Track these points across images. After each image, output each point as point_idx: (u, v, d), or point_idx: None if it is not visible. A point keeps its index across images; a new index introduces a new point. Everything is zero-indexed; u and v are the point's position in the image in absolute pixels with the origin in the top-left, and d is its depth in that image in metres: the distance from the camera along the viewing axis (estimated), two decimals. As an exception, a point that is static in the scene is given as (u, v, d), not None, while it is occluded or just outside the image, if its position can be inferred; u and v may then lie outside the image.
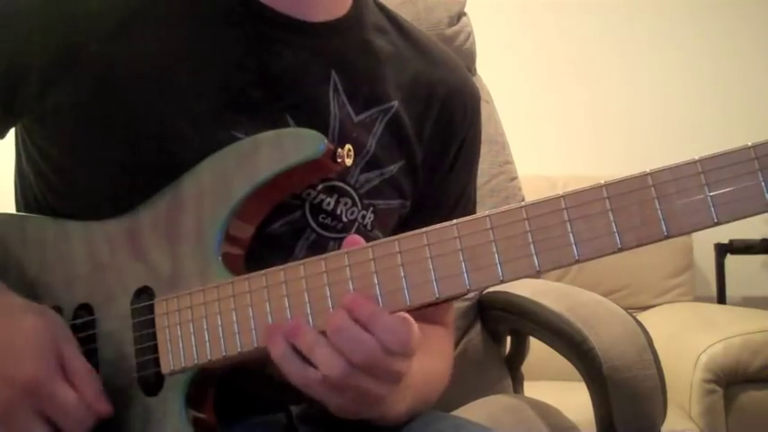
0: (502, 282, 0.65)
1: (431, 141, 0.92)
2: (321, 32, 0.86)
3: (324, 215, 0.84)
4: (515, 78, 2.67)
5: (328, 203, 0.84)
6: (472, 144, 0.98)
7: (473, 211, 1.00)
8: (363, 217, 0.86)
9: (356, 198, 0.86)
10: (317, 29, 0.86)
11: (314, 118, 0.84)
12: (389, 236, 0.84)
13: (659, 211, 0.61)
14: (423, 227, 0.75)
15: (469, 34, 1.70)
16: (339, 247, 0.81)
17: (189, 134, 0.80)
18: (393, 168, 0.89)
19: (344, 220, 0.85)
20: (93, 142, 0.82)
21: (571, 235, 0.63)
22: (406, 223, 0.90)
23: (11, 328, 0.75)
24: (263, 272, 0.73)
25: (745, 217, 0.59)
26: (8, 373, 0.73)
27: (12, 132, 0.91)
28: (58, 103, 0.82)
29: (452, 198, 0.96)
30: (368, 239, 0.84)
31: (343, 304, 0.69)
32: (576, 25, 2.92)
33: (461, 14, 1.69)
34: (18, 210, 0.92)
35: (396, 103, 0.89)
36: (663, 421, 1.17)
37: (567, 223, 0.63)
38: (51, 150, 0.85)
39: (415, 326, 0.70)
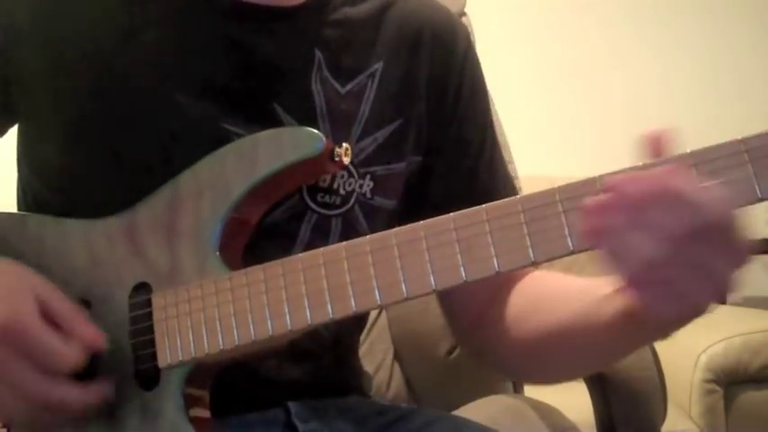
0: (498, 273, 0.65)
1: (429, 89, 0.91)
2: (300, 15, 0.87)
3: (322, 193, 0.84)
4: (515, 78, 2.66)
5: (324, 179, 0.84)
6: (473, 81, 0.96)
7: (502, 162, 0.97)
8: (361, 186, 0.86)
9: (351, 168, 0.85)
10: (294, 12, 0.86)
11: (301, 101, 0.84)
12: (396, 199, 0.88)
13: (654, 201, 0.61)
14: (449, 176, 0.87)
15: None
16: (341, 225, 0.84)
17: (180, 132, 0.81)
18: (388, 130, 0.88)
19: (342, 192, 0.85)
20: (89, 144, 0.83)
21: (566, 227, 0.63)
22: (430, 176, 0.90)
23: None
24: (261, 266, 0.74)
25: (736, 208, 0.59)
26: None
27: (12, 133, 0.92)
28: (53, 105, 0.83)
29: (473, 144, 0.94)
30: (369, 208, 0.85)
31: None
32: (576, 25, 2.92)
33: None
34: (19, 209, 0.93)
35: (381, 65, 0.88)
36: (663, 421, 1.17)
37: (562, 215, 0.64)
38: (49, 151, 0.86)
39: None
